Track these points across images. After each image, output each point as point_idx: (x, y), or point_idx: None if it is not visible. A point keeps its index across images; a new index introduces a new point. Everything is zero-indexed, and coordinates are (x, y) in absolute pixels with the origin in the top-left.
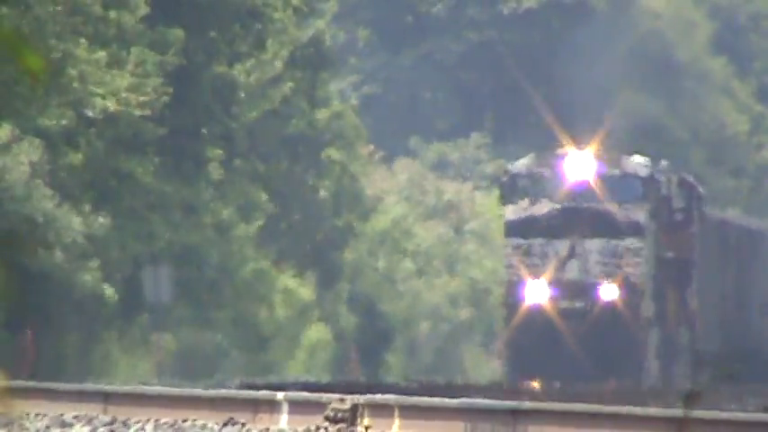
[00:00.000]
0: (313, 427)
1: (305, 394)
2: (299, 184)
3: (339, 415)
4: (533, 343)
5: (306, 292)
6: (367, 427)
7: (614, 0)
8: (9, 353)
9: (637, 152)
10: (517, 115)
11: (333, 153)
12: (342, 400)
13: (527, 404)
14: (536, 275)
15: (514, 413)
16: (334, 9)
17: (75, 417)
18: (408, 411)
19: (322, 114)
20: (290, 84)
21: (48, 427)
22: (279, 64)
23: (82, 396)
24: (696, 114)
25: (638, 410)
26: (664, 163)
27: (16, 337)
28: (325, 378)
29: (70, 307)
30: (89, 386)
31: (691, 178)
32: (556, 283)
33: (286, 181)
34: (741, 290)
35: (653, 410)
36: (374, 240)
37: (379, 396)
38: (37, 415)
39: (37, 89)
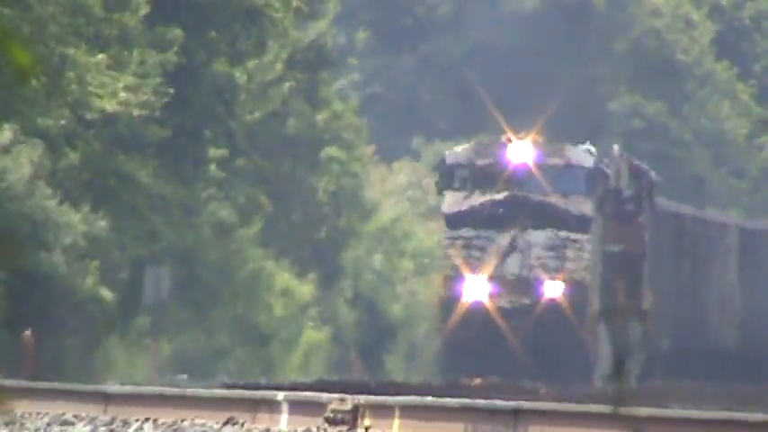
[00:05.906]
0: (314, 428)
1: (305, 394)
2: (299, 184)
3: (339, 416)
4: (472, 342)
5: (305, 291)
6: (367, 428)
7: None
8: (10, 353)
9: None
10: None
11: (333, 153)
12: (342, 401)
13: (527, 404)
14: (476, 270)
15: (515, 413)
16: (335, 10)
17: (76, 416)
18: (409, 411)
19: (322, 115)
20: (290, 84)
21: (49, 425)
22: (279, 66)
23: (82, 396)
24: (697, 117)
25: (639, 411)
26: (615, 148)
27: (17, 338)
28: (324, 378)
29: (70, 308)
30: (89, 386)
31: (642, 165)
32: (497, 278)
33: (286, 181)
34: (697, 284)
35: (653, 410)
36: (373, 240)
37: (379, 396)
38: (38, 414)
39: (27, 85)
